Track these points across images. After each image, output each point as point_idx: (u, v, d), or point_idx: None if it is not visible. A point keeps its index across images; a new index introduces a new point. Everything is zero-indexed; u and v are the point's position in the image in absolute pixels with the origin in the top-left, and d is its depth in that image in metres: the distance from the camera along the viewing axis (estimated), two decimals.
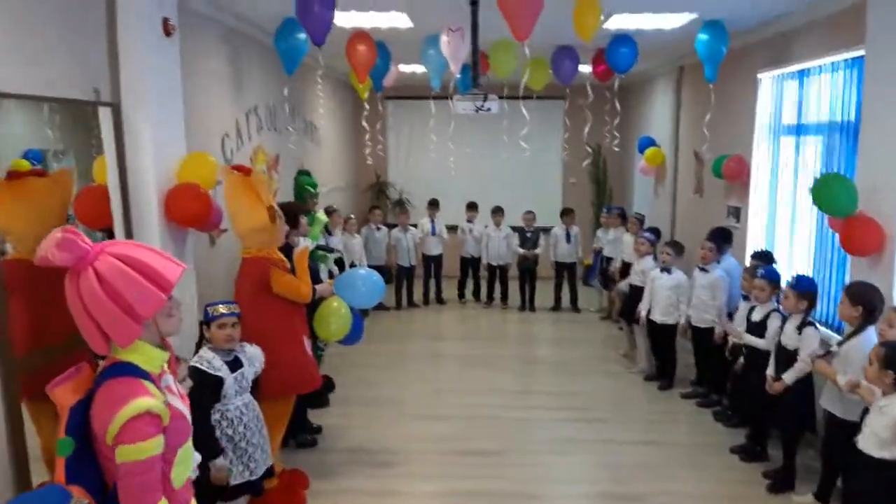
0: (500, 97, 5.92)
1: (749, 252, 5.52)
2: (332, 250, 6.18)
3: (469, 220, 8.99)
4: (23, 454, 2.54)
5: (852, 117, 4.45)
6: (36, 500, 1.44)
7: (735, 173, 5.89)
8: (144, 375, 1.94)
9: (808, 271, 4.95)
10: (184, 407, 2.08)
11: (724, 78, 5.70)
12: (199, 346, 3.28)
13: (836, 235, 4.07)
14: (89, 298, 1.87)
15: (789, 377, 3.97)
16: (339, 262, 6.67)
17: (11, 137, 3.26)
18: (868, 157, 3.98)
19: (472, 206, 8.99)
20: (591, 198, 10.64)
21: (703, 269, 5.44)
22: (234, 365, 3.22)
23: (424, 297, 9.10)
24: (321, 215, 5.76)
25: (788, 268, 5.28)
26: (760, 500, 4.06)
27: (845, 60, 4.54)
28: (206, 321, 3.20)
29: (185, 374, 2.73)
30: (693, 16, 5.20)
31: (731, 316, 5.06)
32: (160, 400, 1.92)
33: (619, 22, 5.41)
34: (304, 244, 4.04)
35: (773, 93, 5.62)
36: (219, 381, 3.13)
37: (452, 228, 9.17)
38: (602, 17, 4.64)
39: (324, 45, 4.52)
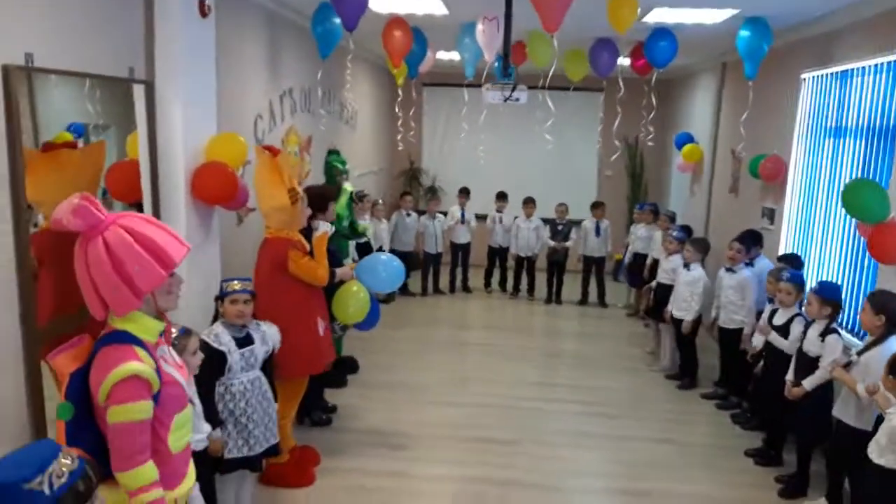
0: (536, 87, 5.92)
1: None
2: (359, 234, 6.26)
3: (498, 210, 8.98)
4: (41, 418, 2.65)
5: (893, 122, 4.32)
6: (27, 453, 1.51)
7: (772, 174, 5.77)
8: (137, 342, 2.01)
9: (839, 277, 4.85)
10: (180, 376, 2.14)
11: (766, 76, 5.58)
12: (214, 320, 3.36)
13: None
14: (95, 266, 1.94)
15: (809, 383, 3.90)
16: (366, 247, 6.75)
17: (55, 111, 3.37)
18: None
19: (501, 196, 8.97)
20: (627, 192, 10.53)
21: (729, 270, 5.37)
22: (245, 341, 3.29)
23: (451, 285, 9.14)
24: (347, 185, 5.84)
25: (819, 273, 5.17)
26: None
27: (888, 63, 4.40)
28: (220, 296, 3.27)
29: (197, 347, 2.79)
30: (734, 11, 5.10)
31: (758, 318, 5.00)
32: (150, 366, 1.99)
33: (659, 15, 5.32)
34: (323, 228, 4.08)
35: (814, 93, 5.48)
36: (221, 356, 3.19)
37: (482, 218, 9.18)
38: (640, 11, 4.59)
39: (361, 31, 4.55)
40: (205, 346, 3.14)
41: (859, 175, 4.67)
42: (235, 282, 3.28)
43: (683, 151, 8.11)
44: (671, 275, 6.13)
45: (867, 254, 4.39)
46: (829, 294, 3.91)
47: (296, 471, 4.06)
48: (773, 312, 4.47)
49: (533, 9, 4.04)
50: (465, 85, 6.57)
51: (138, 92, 3.59)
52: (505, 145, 10.24)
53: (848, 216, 4.52)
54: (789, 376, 4.09)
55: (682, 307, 5.78)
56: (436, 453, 4.54)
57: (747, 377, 5.10)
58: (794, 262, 4.88)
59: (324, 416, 4.91)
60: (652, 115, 6.77)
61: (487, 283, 9.33)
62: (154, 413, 2.03)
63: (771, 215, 5.98)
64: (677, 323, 5.87)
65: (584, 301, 8.81)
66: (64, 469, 1.49)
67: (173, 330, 2.64)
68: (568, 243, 8.63)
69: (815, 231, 5.37)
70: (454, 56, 7.62)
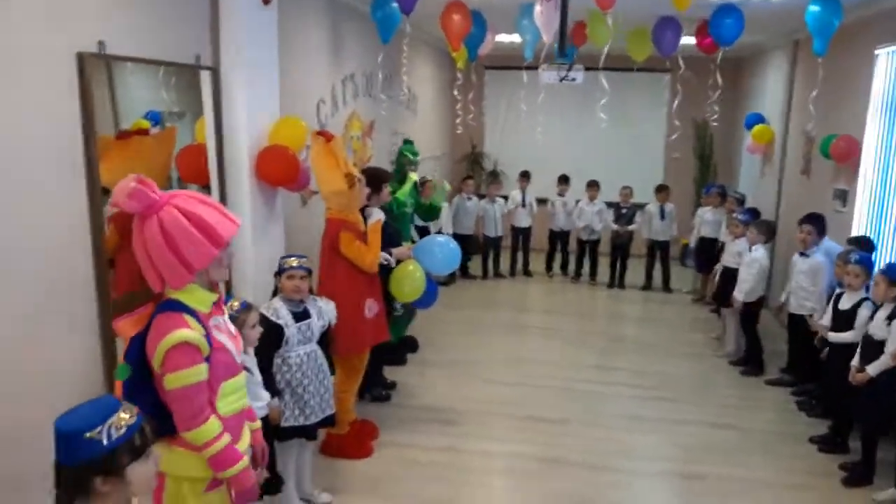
0: (598, 68, 5.84)
1: None
2: (436, 212, 6.41)
3: (560, 194, 8.92)
4: (112, 378, 2.85)
5: None
6: (91, 406, 1.65)
7: (843, 154, 5.54)
8: (189, 311, 2.13)
9: None
10: (232, 346, 2.27)
11: (838, 53, 5.34)
12: (274, 294, 3.51)
13: None
14: (151, 244, 2.08)
15: (873, 369, 3.77)
16: (425, 231, 6.86)
17: (133, 99, 3.59)
18: None
19: (563, 179, 8.91)
20: (695, 175, 10.27)
21: (803, 255, 5.19)
22: (302, 315, 3.43)
23: (511, 269, 9.16)
24: (413, 175, 5.95)
25: (893, 257, 4.95)
26: (833, 492, 3.92)
27: None
28: (278, 272, 3.42)
29: (257, 321, 2.93)
30: None
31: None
32: (199, 333, 2.11)
33: None
34: (377, 216, 4.16)
35: (889, 70, 5.22)
36: (279, 329, 3.34)
37: (543, 202, 9.14)
38: None
39: (420, 14, 4.60)
40: (264, 320, 3.29)
41: None
42: (293, 258, 3.41)
43: (753, 132, 7.85)
44: (737, 258, 5.99)
45: None
46: None
47: (355, 443, 4.22)
48: (839, 296, 4.32)
49: None
50: (524, 67, 6.54)
51: (205, 78, 3.76)
52: (568, 128, 10.14)
53: None
54: (855, 361, 3.96)
55: (743, 289, 5.66)
56: (488, 430, 4.62)
57: (817, 364, 4.94)
58: (865, 245, 4.68)
59: (383, 392, 5.05)
60: (718, 95, 6.56)
61: (549, 267, 9.30)
62: None
63: (843, 197, 5.75)
64: (742, 306, 5.73)
65: (648, 286, 8.67)
66: (122, 423, 1.62)
67: (235, 304, 2.79)
68: (632, 227, 8.51)
69: (888, 213, 5.14)
70: (515, 38, 7.59)
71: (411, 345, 6.05)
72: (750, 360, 5.84)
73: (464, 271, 8.95)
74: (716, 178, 9.90)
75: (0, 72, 2.33)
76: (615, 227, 8.53)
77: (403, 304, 4.89)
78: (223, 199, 3.88)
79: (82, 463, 1.56)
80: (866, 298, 4.10)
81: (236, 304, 2.79)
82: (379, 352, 4.83)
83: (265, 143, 4.04)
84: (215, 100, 3.80)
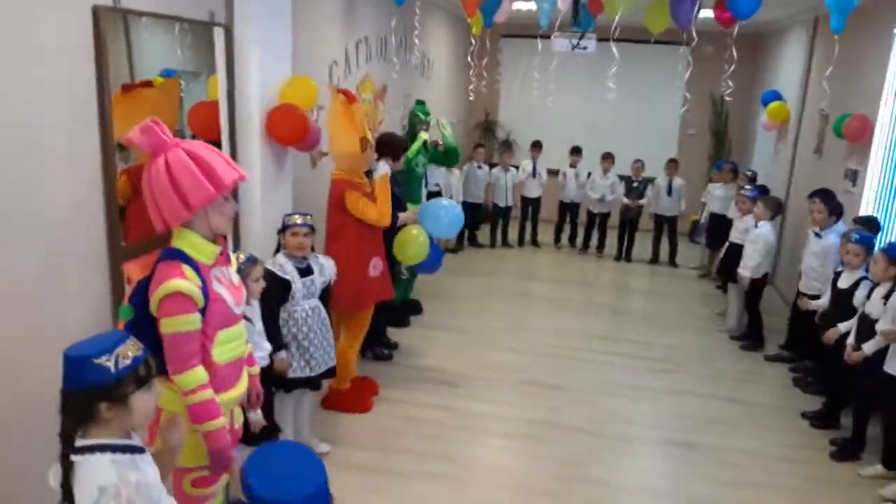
0: (614, 39, 5.80)
1: None
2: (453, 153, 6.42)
3: (572, 165, 8.91)
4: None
5: None
6: (100, 338, 1.74)
7: (856, 133, 5.50)
8: (188, 261, 2.21)
9: None
10: (230, 297, 2.34)
11: (856, 31, 5.28)
12: (276, 251, 3.59)
13: None
14: (156, 181, 2.15)
15: (869, 347, 3.81)
16: (436, 196, 6.90)
17: (149, 57, 3.65)
18: None
19: (575, 151, 8.89)
20: (709, 151, 10.21)
21: (817, 235, 5.15)
22: (306, 272, 3.52)
23: (519, 239, 9.21)
24: (423, 134, 5.98)
25: None
26: (820, 466, 3.99)
27: None
28: (282, 229, 3.50)
29: (261, 275, 3.01)
30: None
31: None
32: (195, 284, 2.19)
33: None
34: (383, 170, 4.21)
35: None
36: (286, 284, 3.44)
37: (554, 172, 9.14)
38: None
39: None
40: (271, 275, 3.39)
41: None
42: (297, 216, 3.49)
43: (769, 109, 7.79)
44: (743, 235, 6.00)
45: None
46: None
47: (355, 398, 4.34)
48: (839, 275, 4.35)
49: None
50: (539, 36, 6.51)
51: (218, 35, 3.80)
52: (582, 100, 10.10)
53: None
54: (850, 339, 4.00)
55: (749, 265, 5.67)
56: (487, 393, 4.72)
57: (817, 342, 4.97)
58: (870, 224, 4.68)
59: (385, 351, 5.16)
60: (732, 70, 6.50)
61: (557, 239, 9.34)
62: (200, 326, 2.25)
63: (853, 177, 5.72)
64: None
65: (654, 260, 8.70)
66: (129, 353, 1.71)
67: (241, 256, 2.88)
68: (642, 201, 8.50)
69: None
70: (532, 6, 7.53)
71: (415, 307, 6.15)
72: (750, 336, 5.90)
73: (472, 240, 9.02)
74: (730, 155, 9.84)
75: (17, 23, 2.39)
76: (626, 200, 8.52)
77: (409, 268, 4.97)
78: (233, 156, 3.94)
79: (89, 387, 1.65)
80: (865, 278, 4.13)
81: (242, 256, 2.87)
82: (383, 312, 4.94)
83: (276, 103, 4.09)
84: (228, 57, 3.84)
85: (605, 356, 5.53)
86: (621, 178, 8.64)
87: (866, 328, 3.90)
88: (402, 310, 5.77)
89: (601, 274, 8.38)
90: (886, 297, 3.77)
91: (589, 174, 8.83)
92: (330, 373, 3.70)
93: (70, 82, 2.68)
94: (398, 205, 4.76)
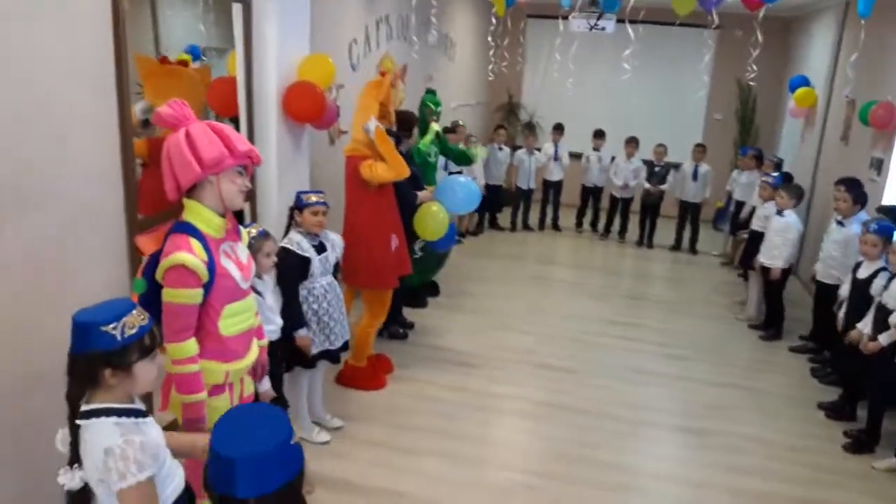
0: (637, 21, 5.72)
1: None
2: (470, 159, 6.42)
3: (595, 149, 8.83)
4: None
5: None
6: (108, 305, 1.78)
7: (882, 121, 5.38)
8: (197, 235, 2.25)
9: None
10: (237, 272, 2.38)
11: (884, 17, 5.14)
12: (287, 229, 3.62)
13: None
14: (173, 145, 2.21)
15: (885, 338, 3.76)
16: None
17: (175, 32, 3.71)
18: None
19: (599, 134, 8.80)
20: (735, 137, 10.05)
21: (839, 223, 5.06)
22: (319, 249, 3.55)
23: (540, 222, 9.17)
24: (435, 126, 5.96)
25: None
26: (832, 457, 3.96)
27: None
28: (299, 207, 3.52)
29: (273, 250, 3.03)
30: None
31: None
32: (201, 259, 2.23)
33: None
34: (373, 125, 4.07)
35: None
36: (306, 261, 3.48)
37: (577, 156, 9.07)
38: None
39: None
40: (291, 254, 3.43)
41: None
42: (312, 194, 3.51)
43: (796, 95, 7.63)
44: (764, 222, 5.91)
45: None
46: None
47: (369, 375, 4.39)
48: (858, 266, 4.28)
49: None
50: (562, 16, 6.44)
51: (236, 11, 3.82)
52: (607, 83, 9.96)
53: None
54: (867, 330, 3.94)
55: (773, 255, 5.57)
56: (500, 374, 4.74)
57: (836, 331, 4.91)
58: (893, 214, 4.59)
59: (401, 330, 5.20)
60: (761, 55, 6.37)
61: (579, 223, 9.29)
62: (207, 299, 2.31)
63: (879, 165, 5.61)
64: (766, 271, 5.68)
65: (676, 247, 8.62)
66: (135, 322, 1.75)
67: (252, 231, 2.91)
68: (664, 186, 8.40)
69: None
70: None
71: (433, 289, 6.17)
72: (770, 325, 5.83)
73: (492, 223, 9.00)
74: (756, 141, 9.68)
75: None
76: (647, 185, 8.43)
77: (422, 248, 4.99)
78: (251, 132, 3.97)
79: (95, 353, 1.70)
80: (884, 268, 4.05)
81: (254, 231, 2.90)
82: (400, 292, 4.97)
83: (293, 80, 4.10)
84: (246, 33, 3.85)
85: (622, 341, 5.51)
86: (645, 162, 8.54)
87: (883, 318, 3.83)
88: (419, 291, 5.80)
89: (622, 259, 8.32)
90: None
91: (613, 158, 8.74)
92: (345, 346, 3.75)
93: (89, 56, 2.72)
94: (416, 184, 4.78)
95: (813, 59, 8.01)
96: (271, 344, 2.94)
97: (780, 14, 9.21)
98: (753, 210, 6.79)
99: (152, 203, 3.12)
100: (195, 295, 2.26)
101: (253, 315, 2.53)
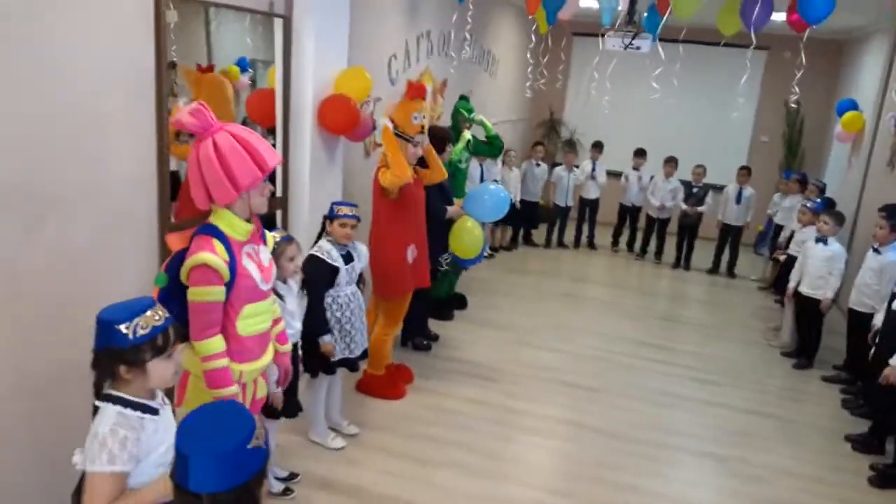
0: (691, 41, 5.64)
1: None
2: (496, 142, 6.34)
3: (635, 168, 8.77)
4: None
5: None
6: (131, 303, 1.88)
7: None
8: (221, 237, 2.35)
9: None
10: (258, 273, 2.47)
11: None
12: (319, 237, 3.72)
13: None
14: (205, 162, 2.29)
15: None
16: None
17: (226, 45, 3.87)
18: None
19: (639, 153, 8.74)
20: (780, 161, 9.86)
21: (876, 251, 4.97)
22: (347, 258, 3.64)
23: (576, 240, 9.13)
24: (467, 133, 6.00)
25: None
26: (856, 490, 3.85)
27: None
28: (331, 217, 3.62)
29: (296, 254, 3.11)
30: None
31: None
32: (223, 259, 2.32)
33: None
34: (384, 122, 4.15)
35: None
36: (335, 270, 3.57)
37: (617, 174, 9.02)
38: None
39: None
40: (322, 263, 3.54)
41: None
42: (345, 206, 3.61)
43: (843, 119, 7.47)
44: (801, 247, 5.80)
45: None
46: None
47: (389, 384, 4.45)
48: (895, 296, 4.17)
49: None
50: (600, 34, 6.43)
51: (277, 25, 3.97)
52: (650, 101, 9.86)
53: None
54: (894, 360, 3.84)
55: (818, 284, 5.42)
56: (522, 390, 4.75)
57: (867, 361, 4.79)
58: None
59: (425, 342, 5.25)
60: (810, 78, 6.27)
61: (615, 242, 9.22)
62: (227, 298, 2.39)
63: None
64: (806, 301, 5.54)
65: (714, 270, 8.48)
66: (149, 323, 1.85)
67: (275, 235, 3.01)
68: (701, 208, 8.28)
69: None
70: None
71: (460, 302, 6.21)
72: (802, 353, 5.70)
73: (527, 239, 9.01)
74: (802, 165, 9.48)
75: (85, 11, 2.58)
76: (684, 206, 8.33)
77: (449, 262, 5.05)
78: (286, 143, 4.10)
79: (110, 349, 1.82)
80: None
81: (278, 235, 3.00)
82: (425, 303, 5.03)
83: (330, 93, 4.22)
84: (285, 47, 3.99)
85: (649, 363, 5.46)
86: (683, 183, 8.45)
87: None
88: (446, 303, 5.84)
89: (656, 281, 8.23)
90: None
91: (652, 178, 8.67)
92: (365, 354, 3.83)
93: (130, 65, 2.87)
94: (446, 198, 4.84)
95: (863, 83, 7.83)
96: (306, 353, 3.05)
97: (833, 37, 9.04)
98: (792, 234, 6.67)
99: (191, 209, 3.26)
100: (219, 292, 2.35)
101: (270, 318, 2.62)
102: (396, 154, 4.07)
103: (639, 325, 6.39)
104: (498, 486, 3.61)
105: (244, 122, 4.04)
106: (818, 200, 6.20)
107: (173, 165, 3.36)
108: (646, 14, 6.00)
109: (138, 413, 1.84)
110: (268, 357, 2.62)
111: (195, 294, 2.33)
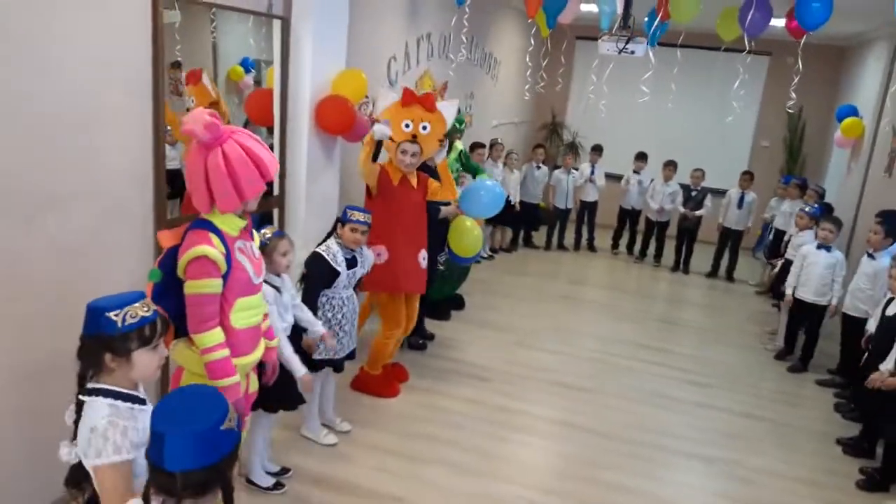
0: (692, 46, 5.66)
1: None
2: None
3: (636, 171, 8.79)
4: None
5: None
6: (121, 296, 1.93)
7: None
8: (216, 231, 2.39)
9: None
10: (251, 267, 2.52)
11: None
12: (328, 236, 3.77)
13: None
14: (213, 172, 2.32)
15: None
16: None
17: (231, 45, 3.96)
18: None
19: (640, 157, 8.77)
20: (781, 166, 9.87)
21: (870, 256, 5.00)
22: (351, 263, 3.69)
23: (576, 243, 9.16)
24: (458, 144, 6.05)
25: None
26: (843, 493, 3.86)
27: None
28: (343, 221, 3.68)
29: (288, 249, 3.12)
30: None
31: None
32: (220, 251, 2.37)
33: None
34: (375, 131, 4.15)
35: None
36: (335, 273, 3.62)
37: (614, 177, 9.05)
38: None
39: None
40: (324, 263, 3.59)
41: None
42: (358, 213, 3.66)
43: (843, 125, 7.48)
44: (797, 251, 5.81)
45: None
46: None
47: (384, 382, 4.48)
48: (889, 302, 4.19)
49: None
50: (598, 38, 6.45)
51: (276, 26, 4.02)
52: (653, 105, 9.89)
53: None
54: (889, 365, 3.85)
55: (822, 291, 5.43)
56: (516, 390, 4.78)
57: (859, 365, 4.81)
58: None
59: (420, 341, 5.28)
60: (812, 83, 6.28)
61: (615, 245, 9.25)
62: (222, 292, 2.42)
63: None
64: (808, 307, 5.53)
65: (713, 273, 8.50)
66: (138, 313, 1.90)
67: (268, 232, 3.05)
68: (700, 212, 8.30)
69: None
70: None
71: (457, 303, 6.24)
72: (800, 357, 5.71)
73: (527, 241, 9.04)
74: (803, 170, 9.49)
75: (84, 10, 2.63)
76: (682, 210, 8.35)
77: (445, 262, 5.09)
78: (283, 143, 4.15)
79: (98, 336, 1.86)
80: None
81: (268, 232, 3.05)
82: (422, 303, 5.06)
83: (327, 93, 4.27)
84: (283, 48, 4.05)
85: (644, 365, 5.49)
86: (682, 186, 8.47)
87: None
88: (443, 303, 5.88)
89: (655, 284, 8.25)
90: None
91: (651, 181, 8.69)
92: (351, 355, 3.86)
93: (129, 64, 2.92)
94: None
95: (863, 89, 7.85)
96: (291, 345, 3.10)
97: (834, 43, 9.06)
98: (789, 238, 6.69)
99: (188, 205, 3.30)
100: (217, 284, 2.40)
101: (262, 312, 2.67)
102: (365, 147, 4.10)
103: (637, 327, 6.41)
104: (490, 485, 3.64)
105: (245, 125, 4.10)
106: (816, 205, 6.22)
107: (176, 164, 3.43)
108: (646, 19, 6.05)
109: (128, 404, 1.88)
110: (259, 351, 2.66)
111: (193, 287, 2.37)
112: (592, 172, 8.81)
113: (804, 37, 5.65)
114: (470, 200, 4.91)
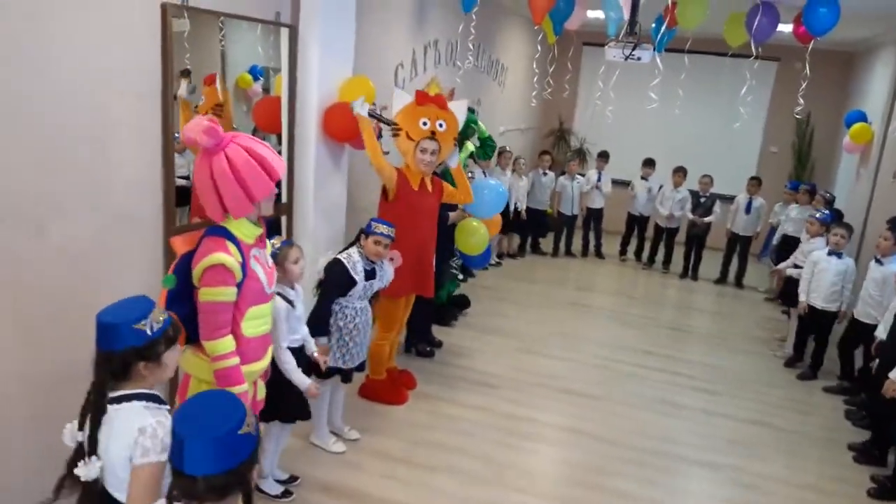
0: (700, 52, 5.65)
1: None
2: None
3: (644, 177, 8.77)
4: None
5: None
6: (129, 303, 1.94)
7: None
8: (232, 239, 2.41)
9: None
10: (264, 276, 2.53)
11: None
12: (351, 245, 3.78)
13: None
14: (220, 178, 2.33)
15: None
16: None
17: (240, 54, 3.98)
18: None
19: (648, 163, 8.75)
20: (790, 172, 9.83)
21: (878, 262, 4.98)
22: (370, 275, 3.71)
23: (583, 249, 9.14)
24: (470, 144, 6.03)
25: None
26: (854, 502, 3.84)
27: None
28: (367, 232, 3.70)
29: (298, 257, 3.15)
30: None
31: None
32: (236, 259, 2.38)
33: None
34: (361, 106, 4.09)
35: None
36: (352, 282, 3.63)
37: (626, 184, 9.03)
38: None
39: None
40: (343, 270, 3.61)
41: None
42: (383, 226, 3.69)
43: (851, 131, 7.44)
44: (806, 257, 5.78)
45: None
46: None
47: (392, 389, 4.49)
48: None
49: None
50: (605, 44, 6.45)
51: (284, 35, 4.04)
52: (660, 112, 9.88)
53: None
54: (894, 374, 3.83)
55: (832, 298, 5.40)
56: (523, 397, 4.77)
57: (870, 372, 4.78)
58: None
59: (428, 348, 5.28)
60: (821, 89, 6.26)
61: (623, 251, 9.22)
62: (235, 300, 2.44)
63: None
64: (819, 314, 5.49)
65: (722, 280, 8.46)
66: (160, 317, 1.93)
67: (274, 241, 3.07)
68: (709, 218, 8.27)
69: None
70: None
71: (462, 303, 6.22)
72: (810, 364, 5.68)
73: (535, 247, 9.03)
74: (812, 176, 9.45)
75: (94, 18, 2.66)
76: (691, 216, 8.33)
77: (458, 266, 5.13)
78: (291, 150, 4.17)
79: (129, 349, 1.86)
80: None
81: (277, 242, 3.06)
82: (429, 309, 5.07)
83: (335, 100, 4.29)
84: (291, 56, 4.07)
85: (652, 372, 5.47)
86: (691, 192, 8.44)
87: None
88: (447, 308, 5.87)
89: (664, 290, 8.22)
90: None
91: (660, 187, 8.67)
92: (361, 367, 3.87)
93: (138, 73, 2.94)
94: (448, 205, 4.88)
95: (872, 95, 7.82)
96: (296, 353, 3.10)
97: (843, 48, 9.03)
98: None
99: (198, 210, 3.32)
100: (232, 293, 2.41)
101: (271, 320, 2.68)
102: (370, 137, 4.06)
103: (644, 334, 6.39)
104: (496, 492, 3.63)
105: (254, 132, 4.12)
106: (826, 212, 6.19)
107: (184, 171, 3.45)
108: (653, 25, 6.04)
109: (156, 405, 1.90)
110: (268, 359, 2.67)
111: (208, 294, 2.38)
112: (599, 179, 8.80)
113: (812, 42, 5.66)
114: (475, 201, 4.92)
